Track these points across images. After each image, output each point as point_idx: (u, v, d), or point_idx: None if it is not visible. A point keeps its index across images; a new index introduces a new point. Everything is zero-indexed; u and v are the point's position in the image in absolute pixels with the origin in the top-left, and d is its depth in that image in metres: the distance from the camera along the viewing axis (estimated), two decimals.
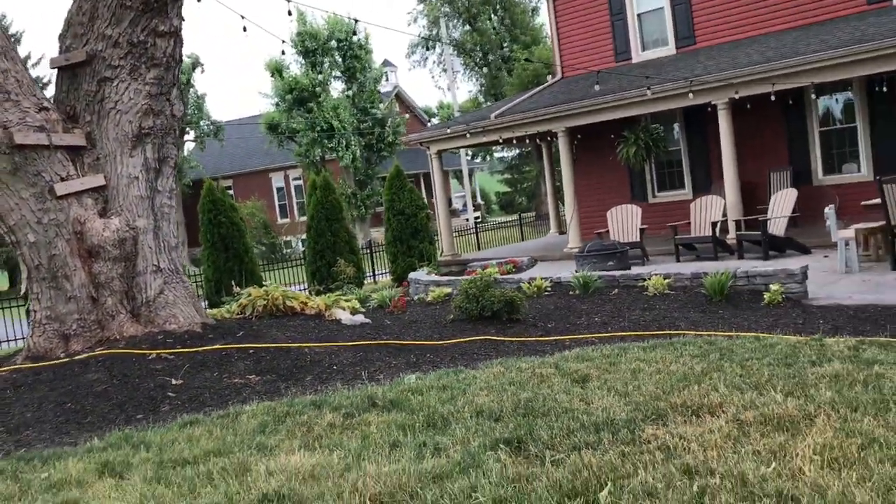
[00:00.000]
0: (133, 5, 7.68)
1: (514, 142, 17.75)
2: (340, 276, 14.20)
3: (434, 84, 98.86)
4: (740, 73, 11.81)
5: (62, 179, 7.65)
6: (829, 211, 10.47)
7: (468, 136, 15.50)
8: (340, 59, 31.91)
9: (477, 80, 44.63)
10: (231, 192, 36.02)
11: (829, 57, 11.14)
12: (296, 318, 8.73)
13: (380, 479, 3.77)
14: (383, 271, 19.94)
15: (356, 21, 10.12)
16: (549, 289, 10.14)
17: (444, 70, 41.56)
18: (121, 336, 7.63)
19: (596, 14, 15.94)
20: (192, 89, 35.98)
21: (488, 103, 37.54)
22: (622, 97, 13.05)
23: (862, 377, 4.85)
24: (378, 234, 28.13)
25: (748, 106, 12.47)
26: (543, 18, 42.68)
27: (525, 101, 16.00)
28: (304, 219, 26.80)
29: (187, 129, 35.78)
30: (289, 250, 35.82)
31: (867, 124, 13.18)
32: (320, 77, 31.40)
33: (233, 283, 11.10)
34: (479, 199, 49.21)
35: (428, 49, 44.05)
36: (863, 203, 11.27)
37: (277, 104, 32.09)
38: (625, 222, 13.31)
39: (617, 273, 10.24)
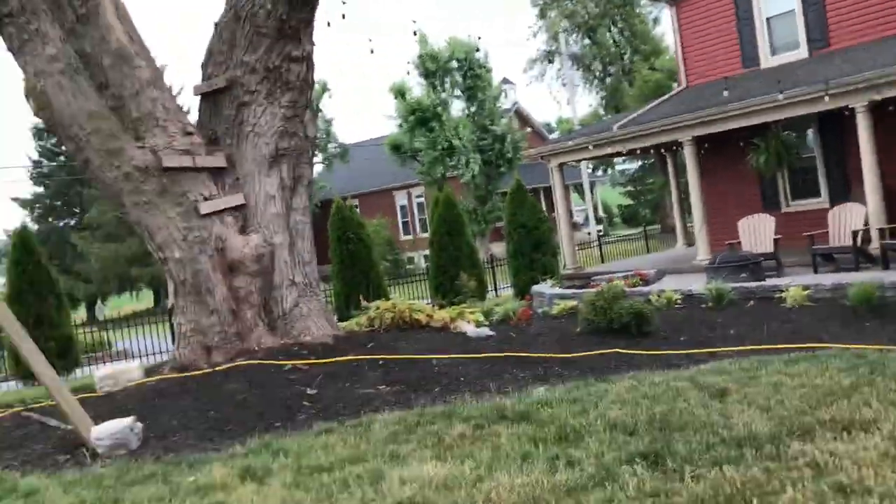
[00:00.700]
0: (268, 33, 8.06)
1: (638, 152, 17.40)
2: (463, 290, 14.28)
3: (553, 98, 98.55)
4: (883, 73, 11.12)
5: (205, 199, 8.09)
6: None
7: (591, 147, 15.30)
8: (461, 79, 32.31)
9: (597, 92, 44.12)
10: (357, 210, 37.07)
11: None
12: (422, 331, 8.85)
13: (513, 490, 3.76)
14: (505, 285, 19.93)
15: (479, 38, 10.21)
16: (679, 301, 9.85)
17: (564, 84, 41.28)
18: (259, 347, 7.97)
19: (721, 20, 15.43)
20: (320, 113, 37.32)
21: (608, 116, 37.02)
22: (751, 104, 12.53)
23: None
24: (498, 248, 28.18)
25: (890, 108, 11.72)
26: (664, 28, 41.80)
27: (648, 111, 15.66)
28: (426, 235, 27.13)
29: (316, 151, 37.13)
30: (411, 266, 36.42)
31: None
32: (442, 96, 31.91)
33: (361, 296, 11.39)
34: (600, 213, 48.47)
35: (549, 62, 43.90)
36: None
37: (401, 125, 32.80)
38: (757, 232, 12.77)
39: (752, 285, 9.83)
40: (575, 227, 28.21)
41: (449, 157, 31.50)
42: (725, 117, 13.00)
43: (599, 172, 49.37)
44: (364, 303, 10.06)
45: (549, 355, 7.60)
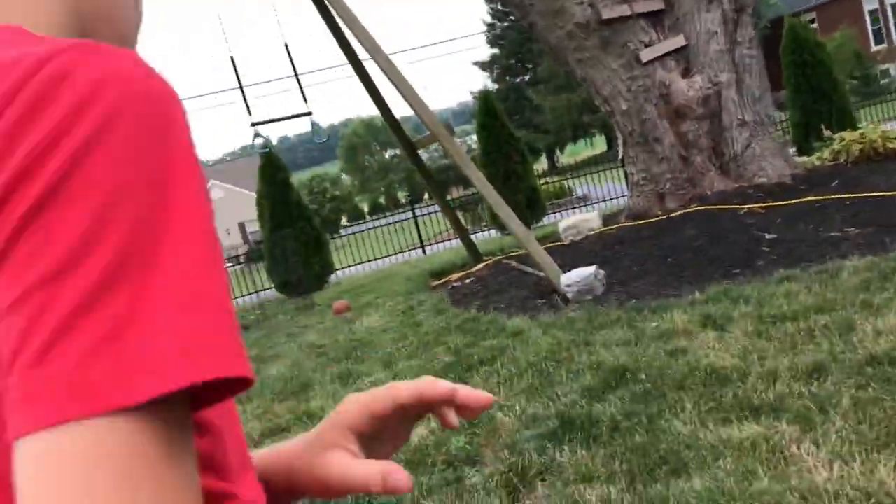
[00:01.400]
0: None
1: None
2: None
3: None
4: None
5: (645, 46, 8.02)
6: None
7: None
8: None
9: None
10: (815, 26, 33.18)
11: None
12: None
13: None
14: None
15: None
16: None
17: None
18: (711, 192, 7.87)
19: None
20: None
21: None
22: None
23: None
24: None
25: None
26: None
27: None
28: None
29: None
30: (886, 81, 31.77)
31: None
32: None
33: (822, 126, 10.39)
34: None
35: None
36: None
37: None
38: None
39: None
40: None
41: None
42: None
43: None
44: (826, 133, 9.18)
45: None
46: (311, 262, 12.96)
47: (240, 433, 0.59)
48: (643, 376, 4.01)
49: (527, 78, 59.32)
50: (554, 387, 4.22)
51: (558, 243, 8.65)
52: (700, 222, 7.13)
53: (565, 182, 22.95)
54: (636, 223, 7.97)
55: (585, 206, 18.78)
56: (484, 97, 15.25)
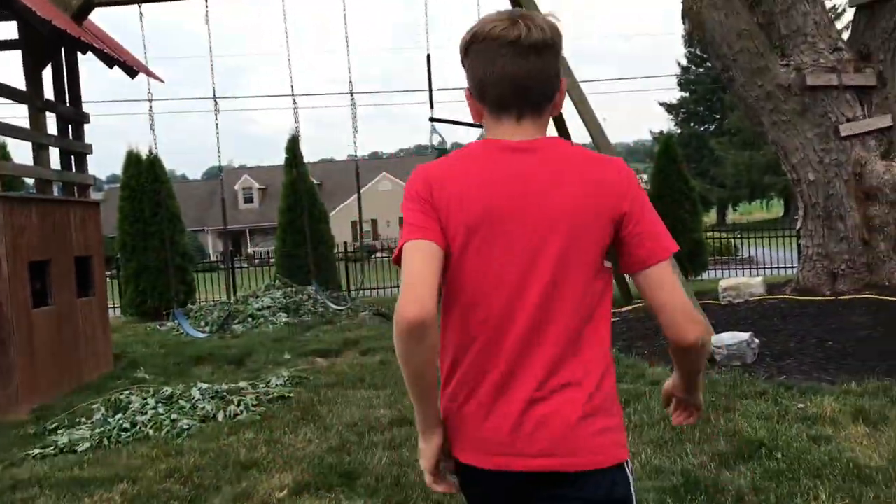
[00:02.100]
0: None
1: None
2: None
3: None
4: None
5: (847, 120, 7.69)
6: None
7: None
8: None
9: None
10: None
11: None
12: None
13: None
14: None
15: None
16: None
17: None
18: (889, 283, 7.44)
19: None
20: None
21: None
22: None
23: None
24: None
25: None
26: None
27: None
28: None
29: None
30: None
31: None
32: None
33: None
34: None
35: None
36: None
37: None
38: None
39: None
40: None
41: None
42: None
43: None
44: None
45: None
46: None
47: None
48: (780, 455, 3.91)
49: (712, 127, 57.59)
50: (684, 444, 4.18)
51: (715, 302, 8.44)
52: (871, 311, 6.76)
53: (733, 240, 22.16)
54: (801, 298, 7.66)
55: (749, 268, 18.06)
56: (666, 140, 15.07)
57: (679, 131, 57.60)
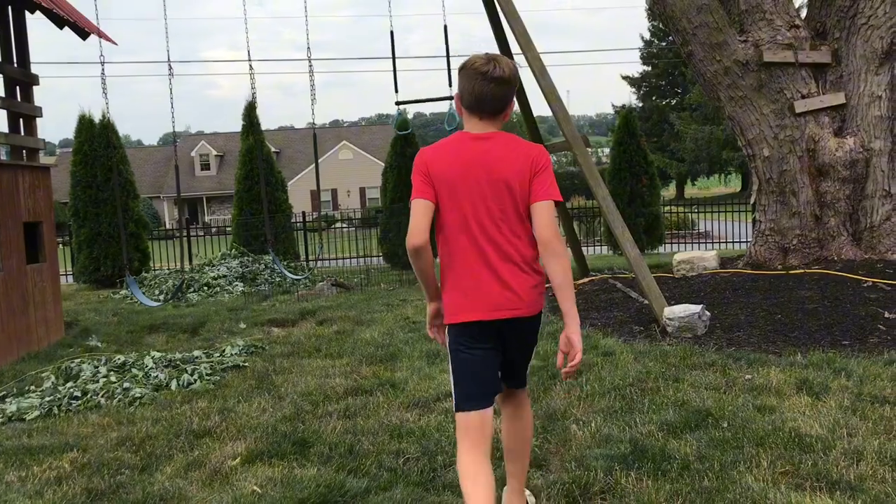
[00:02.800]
0: None
1: None
2: None
3: None
4: None
5: (802, 97, 7.80)
6: None
7: None
8: None
9: None
10: None
11: None
12: None
13: None
14: None
15: None
16: None
17: None
18: (838, 258, 7.61)
19: None
20: None
21: None
22: None
23: None
24: None
25: None
26: None
27: None
28: None
29: None
30: None
31: None
32: None
33: None
34: None
35: None
36: None
37: None
38: None
39: None
40: None
41: None
42: None
43: None
44: None
45: None
46: None
47: None
48: (725, 424, 4.00)
49: (673, 102, 58.01)
50: (634, 414, 4.26)
51: (669, 275, 8.56)
52: (819, 286, 6.93)
53: (690, 214, 22.44)
54: (753, 272, 7.81)
55: (705, 242, 18.34)
56: (626, 114, 15.12)
57: (641, 105, 57.93)
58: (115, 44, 8.99)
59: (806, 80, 7.83)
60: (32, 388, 5.70)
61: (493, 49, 8.77)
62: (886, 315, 6.06)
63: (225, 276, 11.75)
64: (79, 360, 6.20)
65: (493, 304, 2.73)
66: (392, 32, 8.07)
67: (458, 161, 2.74)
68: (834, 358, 5.15)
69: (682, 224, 21.53)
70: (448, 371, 2.94)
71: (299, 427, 4.40)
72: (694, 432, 3.93)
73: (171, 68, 8.03)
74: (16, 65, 8.07)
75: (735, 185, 63.69)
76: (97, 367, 5.94)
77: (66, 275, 16.08)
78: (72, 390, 5.42)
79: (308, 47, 8.26)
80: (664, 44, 54.77)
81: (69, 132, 14.07)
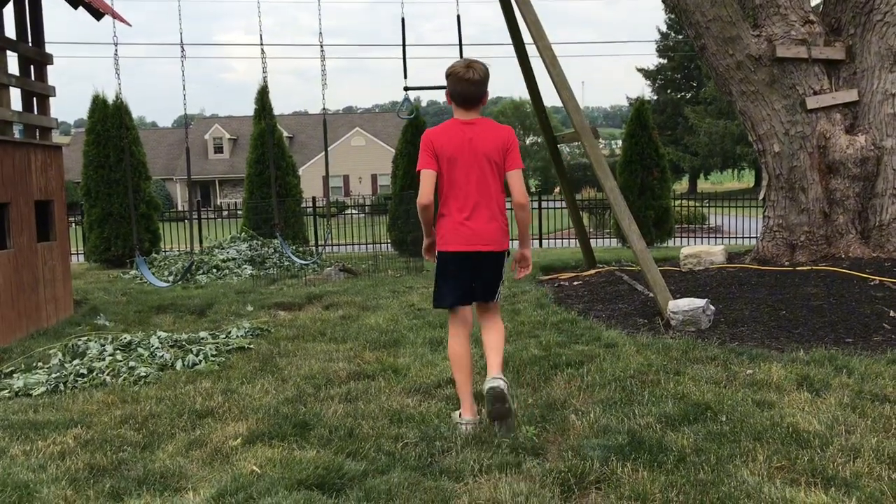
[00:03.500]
0: None
1: None
2: None
3: None
4: None
5: (815, 93, 7.76)
6: None
7: None
8: None
9: None
10: None
11: None
12: None
13: None
14: None
15: None
16: None
17: None
18: (845, 255, 7.59)
19: None
20: None
21: None
22: None
23: None
24: None
25: None
26: None
27: None
28: None
29: None
30: None
31: None
32: None
33: None
34: None
35: None
36: None
37: None
38: None
39: None
40: None
41: None
42: None
43: None
44: None
45: None
46: None
47: None
48: (724, 418, 4.01)
49: (688, 95, 57.69)
50: (633, 405, 4.28)
51: (675, 269, 8.56)
52: (825, 283, 6.91)
53: (701, 209, 22.37)
54: (760, 268, 7.79)
55: (716, 237, 18.29)
56: (638, 105, 15.06)
57: (656, 98, 57.63)
58: (129, 25, 9.02)
59: (819, 77, 7.78)
60: (40, 364, 5.76)
61: (506, 38, 8.77)
62: (892, 314, 6.05)
63: (234, 259, 11.82)
64: (86, 338, 6.27)
65: (473, 240, 3.96)
66: (403, 19, 8.08)
67: (454, 140, 3.95)
68: (836, 355, 5.15)
69: (693, 218, 21.48)
70: (433, 284, 4.21)
71: (301, 409, 4.44)
72: (692, 425, 3.94)
73: (183, 50, 8.06)
74: (30, 44, 8.12)
75: (748, 180, 63.36)
76: (104, 346, 6.00)
77: (78, 254, 16.21)
78: (78, 368, 5.48)
79: (320, 32, 8.28)
80: (680, 37, 54.47)
81: (85, 112, 14.13)
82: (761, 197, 8.54)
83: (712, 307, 6.28)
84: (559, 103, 7.04)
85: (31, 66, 8.13)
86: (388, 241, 15.02)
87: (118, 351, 5.90)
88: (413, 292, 8.97)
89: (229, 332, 6.64)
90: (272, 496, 3.22)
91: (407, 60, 7.88)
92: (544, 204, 19.64)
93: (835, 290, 6.68)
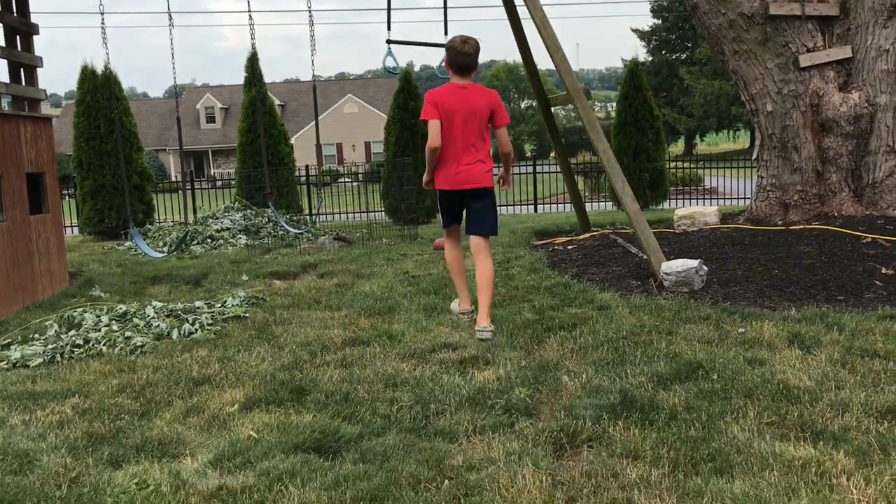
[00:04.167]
0: None
1: None
2: None
3: None
4: None
5: (808, 50, 7.71)
6: None
7: None
8: None
9: None
10: None
11: None
12: None
13: None
14: None
15: None
16: None
17: None
18: (838, 214, 7.60)
19: None
20: None
21: None
22: None
23: None
24: None
25: None
26: None
27: None
28: None
29: None
30: None
31: None
32: None
33: None
34: None
35: None
36: None
37: None
38: None
39: None
40: None
41: None
42: None
43: None
44: None
45: None
46: (423, 193, 13.25)
47: None
48: (715, 376, 4.06)
49: (683, 56, 57.31)
50: (625, 365, 4.32)
51: (669, 230, 8.57)
52: (818, 241, 6.93)
53: (697, 170, 22.33)
54: (753, 227, 7.81)
55: (711, 198, 18.30)
56: (632, 67, 14.96)
57: (651, 59, 57.19)
58: None
59: (812, 34, 7.72)
60: (36, 336, 5.79)
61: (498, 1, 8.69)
62: (884, 271, 6.08)
63: (228, 229, 11.81)
64: (81, 309, 6.29)
65: (461, 181, 5.29)
66: None
67: (452, 99, 5.20)
68: (827, 313, 5.18)
69: (689, 180, 21.46)
70: (439, 223, 6.34)
71: (297, 375, 4.48)
72: (684, 384, 3.99)
73: (171, 18, 7.98)
74: (15, 14, 8.02)
75: (744, 141, 63.20)
76: (99, 317, 6.02)
77: (72, 227, 16.18)
78: (74, 339, 5.51)
79: None
80: None
81: (75, 84, 14.02)
82: (754, 157, 8.53)
83: (705, 268, 6.31)
84: (554, 66, 6.99)
85: (17, 37, 8.04)
86: (382, 209, 14.99)
87: (114, 321, 5.93)
88: (407, 259, 8.99)
89: (225, 302, 6.66)
90: (269, 460, 3.27)
91: (391, 18, 7.77)
92: (539, 168, 19.58)
93: (827, 249, 6.70)
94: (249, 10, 8.67)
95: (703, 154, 38.17)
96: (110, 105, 12.99)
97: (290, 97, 59.60)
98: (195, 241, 11.23)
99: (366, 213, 16.48)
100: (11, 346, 5.53)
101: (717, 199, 18.26)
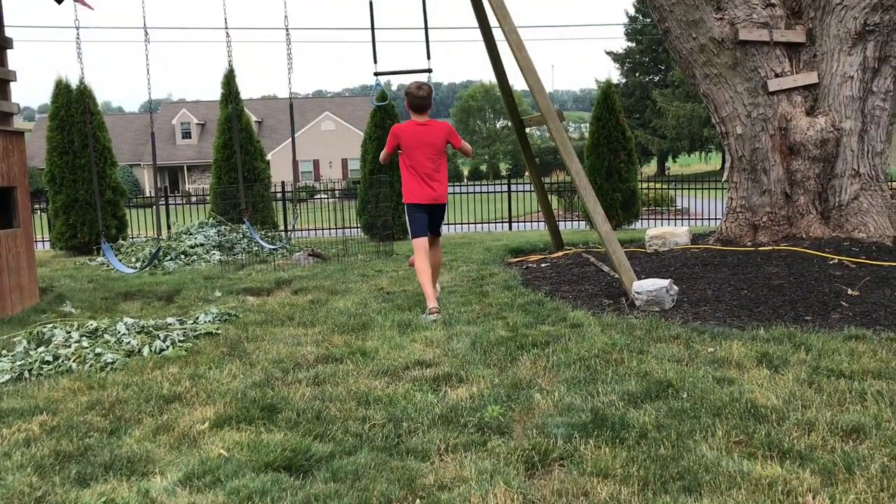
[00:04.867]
0: None
1: None
2: None
3: None
4: None
5: (776, 75, 7.87)
6: None
7: None
8: None
9: None
10: None
11: None
12: None
13: None
14: None
15: None
16: None
17: None
18: (806, 235, 7.73)
19: None
20: None
21: None
22: None
23: None
24: None
25: None
26: None
27: None
28: None
29: None
30: None
31: None
32: None
33: None
34: None
35: None
36: None
37: None
38: None
39: None
40: None
41: None
42: None
43: None
44: None
45: None
46: (399, 210, 13.27)
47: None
48: (685, 395, 4.10)
49: (656, 79, 58.04)
50: (597, 384, 4.35)
51: (641, 250, 8.67)
52: (786, 262, 7.05)
53: (669, 191, 22.58)
54: (723, 248, 7.92)
55: (683, 219, 18.51)
56: (605, 88, 15.13)
57: (624, 81, 57.85)
58: (92, 9, 8.88)
59: (780, 59, 7.89)
60: (4, 352, 5.71)
61: (473, 21, 8.77)
62: (850, 292, 6.19)
63: (202, 245, 11.74)
64: (51, 325, 6.22)
65: (428, 196, 6.65)
66: (371, 3, 8.03)
67: (413, 134, 6.62)
68: (795, 333, 5.27)
69: (661, 200, 21.68)
70: (409, 233, 6.87)
71: (268, 393, 4.46)
72: (654, 402, 4.03)
73: (146, 34, 7.96)
74: None
75: (716, 162, 64.01)
76: (69, 333, 5.96)
77: (43, 241, 15.99)
78: (43, 355, 5.44)
79: (286, 15, 8.20)
80: (648, 20, 54.73)
81: (48, 98, 13.90)
82: (724, 178, 8.66)
83: (676, 287, 6.39)
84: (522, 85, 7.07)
85: None
86: (358, 225, 14.99)
87: (84, 338, 5.87)
88: (382, 276, 9.00)
89: (197, 318, 6.62)
90: (239, 478, 3.25)
91: (376, 45, 7.84)
92: (514, 187, 19.71)
93: (795, 270, 6.82)
94: (227, 28, 8.68)
95: (675, 175, 38.62)
96: (84, 119, 12.90)
97: (268, 113, 59.51)
98: (168, 257, 11.15)
99: (341, 230, 16.45)
100: None
101: (689, 219, 18.49)
